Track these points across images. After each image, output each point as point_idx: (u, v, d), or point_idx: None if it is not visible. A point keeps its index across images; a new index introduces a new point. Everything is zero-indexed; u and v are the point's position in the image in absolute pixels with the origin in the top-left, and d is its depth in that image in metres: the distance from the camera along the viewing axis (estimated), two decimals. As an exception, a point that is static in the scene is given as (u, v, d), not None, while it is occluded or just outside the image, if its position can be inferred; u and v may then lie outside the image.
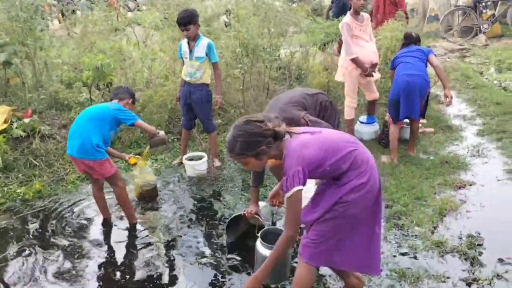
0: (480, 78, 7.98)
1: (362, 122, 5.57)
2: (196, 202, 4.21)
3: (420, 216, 3.69)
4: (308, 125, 3.13)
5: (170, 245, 3.53)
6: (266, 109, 3.34)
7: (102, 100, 5.67)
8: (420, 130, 5.27)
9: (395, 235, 3.52)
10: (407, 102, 4.61)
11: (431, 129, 5.65)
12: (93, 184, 3.82)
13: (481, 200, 3.97)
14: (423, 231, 3.51)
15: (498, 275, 2.97)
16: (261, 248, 2.70)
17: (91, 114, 3.56)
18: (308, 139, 2.15)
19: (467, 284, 2.91)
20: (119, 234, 3.74)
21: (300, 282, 2.33)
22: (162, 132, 3.90)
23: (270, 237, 2.75)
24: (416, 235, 3.49)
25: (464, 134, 5.59)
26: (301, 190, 2.07)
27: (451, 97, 4.68)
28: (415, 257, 3.23)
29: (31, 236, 3.72)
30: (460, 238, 3.42)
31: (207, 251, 3.42)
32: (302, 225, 2.33)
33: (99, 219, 3.95)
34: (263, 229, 2.88)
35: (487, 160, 4.81)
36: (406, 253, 3.30)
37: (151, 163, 4.90)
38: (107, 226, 3.86)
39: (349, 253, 2.28)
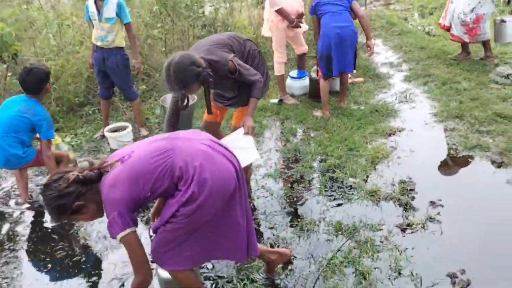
0: (405, 24, 8.11)
1: (292, 77, 5.43)
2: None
3: (354, 167, 3.67)
4: (236, 69, 2.87)
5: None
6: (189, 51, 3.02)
7: (9, 74, 5.04)
8: (350, 81, 5.23)
9: (331, 188, 3.47)
10: (340, 56, 4.47)
11: (361, 79, 5.64)
12: None
13: (411, 145, 4.01)
14: (357, 181, 3.49)
15: (430, 218, 3.01)
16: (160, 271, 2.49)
17: (6, 128, 3.20)
18: (117, 175, 1.85)
19: (401, 230, 2.93)
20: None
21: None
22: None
23: None
24: (350, 186, 3.46)
25: (392, 81, 5.64)
26: (126, 234, 1.83)
27: (373, 48, 4.64)
28: (351, 208, 3.20)
29: None
30: (393, 185, 3.43)
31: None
32: None
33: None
34: None
35: (415, 105, 4.89)
36: (341, 204, 3.26)
37: (69, 138, 4.50)
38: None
39: (202, 248, 2.05)
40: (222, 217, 2.01)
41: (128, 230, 1.83)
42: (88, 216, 1.94)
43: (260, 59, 3.19)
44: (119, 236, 1.83)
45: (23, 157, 3.27)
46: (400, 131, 4.31)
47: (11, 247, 3.10)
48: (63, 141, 4.05)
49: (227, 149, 2.06)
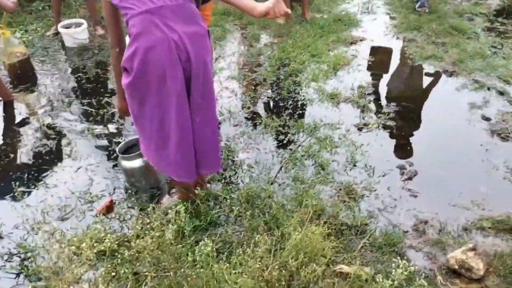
0: None
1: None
2: (80, 75, 3.78)
3: (316, 72, 3.75)
4: None
5: (53, 123, 3.19)
6: None
7: None
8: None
9: (294, 91, 3.55)
10: None
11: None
12: None
13: (371, 54, 4.13)
14: (319, 85, 3.60)
15: (385, 119, 3.20)
16: (123, 162, 2.50)
17: None
18: None
19: (358, 129, 3.11)
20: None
21: None
22: None
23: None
24: (312, 89, 3.56)
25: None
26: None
27: None
28: (312, 109, 3.33)
29: None
30: (352, 89, 3.57)
31: (97, 120, 3.18)
32: None
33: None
34: (123, 143, 2.60)
35: (376, 17, 4.94)
36: (303, 106, 3.38)
37: (20, 34, 4.22)
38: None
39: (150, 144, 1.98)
40: (160, 103, 1.84)
41: None
42: None
43: None
44: None
45: None
46: (361, 40, 4.39)
47: None
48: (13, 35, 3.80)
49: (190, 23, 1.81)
